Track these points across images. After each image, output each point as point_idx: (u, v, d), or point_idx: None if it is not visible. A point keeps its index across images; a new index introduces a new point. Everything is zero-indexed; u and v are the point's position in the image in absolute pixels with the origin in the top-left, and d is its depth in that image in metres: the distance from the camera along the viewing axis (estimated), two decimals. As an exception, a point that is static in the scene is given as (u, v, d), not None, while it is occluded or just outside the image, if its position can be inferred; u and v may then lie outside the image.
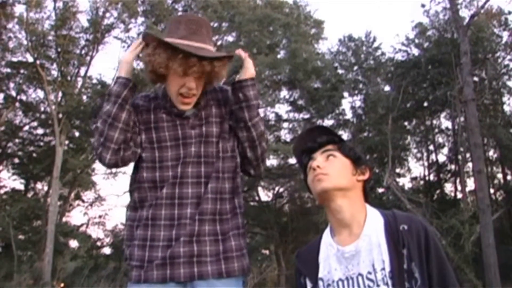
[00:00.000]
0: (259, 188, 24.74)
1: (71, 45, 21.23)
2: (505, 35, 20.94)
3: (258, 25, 20.59)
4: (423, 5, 20.55)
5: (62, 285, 18.39)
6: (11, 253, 18.78)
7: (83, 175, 23.90)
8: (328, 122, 23.11)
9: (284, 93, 24.04)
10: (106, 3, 20.81)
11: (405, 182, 24.68)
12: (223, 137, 2.01)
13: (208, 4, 20.62)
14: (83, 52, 22.15)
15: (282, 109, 33.29)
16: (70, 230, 23.23)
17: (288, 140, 23.63)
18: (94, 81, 22.48)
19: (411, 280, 1.54)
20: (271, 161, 23.84)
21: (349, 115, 24.33)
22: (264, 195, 25.44)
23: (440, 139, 25.30)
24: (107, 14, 21.39)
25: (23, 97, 23.27)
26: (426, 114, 23.97)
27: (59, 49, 20.62)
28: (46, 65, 21.36)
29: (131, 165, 2.07)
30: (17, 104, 22.93)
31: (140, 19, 21.70)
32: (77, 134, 23.90)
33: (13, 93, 22.76)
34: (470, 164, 19.31)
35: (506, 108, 23.01)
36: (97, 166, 25.08)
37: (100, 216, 25.58)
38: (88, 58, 22.03)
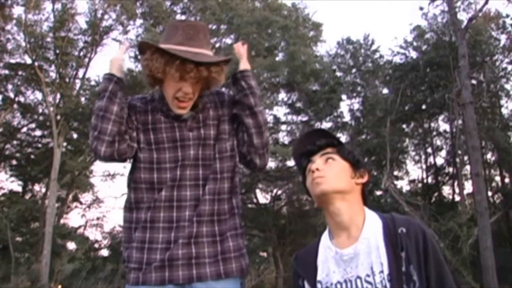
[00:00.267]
0: (257, 191, 24.74)
1: (70, 47, 21.24)
2: (503, 38, 21.04)
3: (257, 28, 20.60)
4: (421, 8, 20.65)
5: (59, 287, 18.34)
6: (9, 255, 18.74)
7: (81, 177, 23.87)
8: (326, 125, 23.13)
9: (282, 95, 24.08)
10: (105, 5, 20.83)
11: (403, 184, 24.73)
12: (220, 138, 2.01)
13: (206, 6, 20.64)
14: (81, 54, 22.16)
15: (281, 111, 33.24)
16: (68, 232, 23.21)
17: (286, 142, 23.63)
18: (93, 83, 22.45)
19: (410, 282, 1.54)
20: (269, 164, 23.83)
21: (347, 117, 24.39)
22: (262, 198, 25.46)
23: (438, 141, 25.35)
24: (106, 16, 21.42)
25: (21, 99, 23.27)
26: (424, 117, 24.00)
27: (57, 51, 20.62)
28: (45, 66, 21.36)
29: (129, 166, 2.07)
30: (15, 105, 22.91)
31: (139, 21, 21.74)
32: (75, 136, 23.90)
33: (11, 95, 22.76)
34: (468, 167, 19.34)
35: (504, 111, 23.08)
36: (95, 168, 25.11)
37: (98, 218, 25.57)
38: (86, 60, 22.04)
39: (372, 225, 1.67)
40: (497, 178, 23.83)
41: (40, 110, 23.51)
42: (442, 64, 19.24)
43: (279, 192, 25.29)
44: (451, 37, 19.89)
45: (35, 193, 25.67)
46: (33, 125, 24.21)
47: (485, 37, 20.25)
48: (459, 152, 20.24)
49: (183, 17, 20.57)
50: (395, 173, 23.67)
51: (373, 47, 24.85)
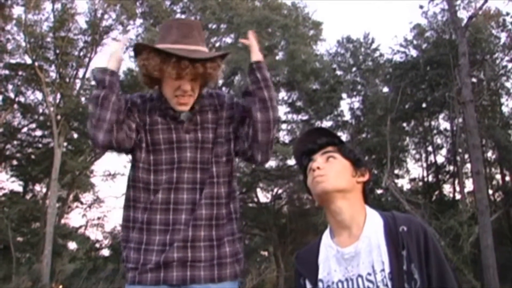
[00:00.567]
0: (258, 190, 24.77)
1: (70, 46, 21.26)
2: (503, 36, 21.03)
3: (257, 27, 20.57)
4: (421, 7, 20.62)
5: (60, 287, 18.37)
6: (10, 255, 18.77)
7: (82, 177, 23.90)
8: (326, 124, 23.15)
9: (282, 94, 24.08)
10: (105, 4, 20.84)
11: (404, 183, 24.76)
12: (217, 142, 2.01)
13: (206, 5, 20.64)
14: (81, 53, 22.19)
15: (281, 110, 33.18)
16: (69, 232, 23.25)
17: (287, 141, 23.65)
18: (93, 82, 22.38)
19: (411, 281, 1.54)
20: (270, 163, 23.84)
21: (347, 116, 24.40)
22: (263, 197, 25.49)
23: (438, 140, 25.37)
24: (106, 16, 21.44)
25: (22, 99, 23.31)
26: (424, 115, 24.01)
27: (57, 51, 20.64)
28: (45, 66, 21.38)
29: (129, 166, 2.08)
30: (16, 106, 22.94)
31: (139, 21, 21.75)
32: (75, 135, 23.91)
33: (12, 95, 22.78)
34: (468, 165, 19.34)
35: (504, 109, 23.07)
36: (96, 168, 25.11)
37: (98, 218, 25.60)
38: (86, 59, 22.08)
39: (373, 224, 1.67)
40: (498, 176, 23.86)
41: (41, 110, 23.54)
42: (442, 63, 19.23)
43: (280, 191, 25.32)
44: (451, 36, 19.88)
45: (36, 193, 25.71)
46: (33, 125, 24.24)
47: (485, 35, 20.25)
48: (460, 150, 20.25)
49: (183, 17, 20.56)
50: (396, 171, 23.68)
51: (373, 46, 24.86)
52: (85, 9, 26.24)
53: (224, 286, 1.89)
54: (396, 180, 22.17)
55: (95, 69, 1.95)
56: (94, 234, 26.94)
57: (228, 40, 22.33)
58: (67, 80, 21.96)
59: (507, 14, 20.26)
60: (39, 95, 23.03)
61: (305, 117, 24.01)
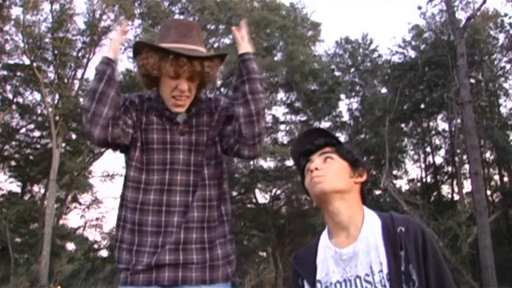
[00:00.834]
0: (256, 190, 24.76)
1: (68, 47, 21.26)
2: (501, 37, 21.05)
3: (255, 28, 20.60)
4: (419, 7, 20.63)
5: (59, 287, 18.35)
6: (8, 256, 18.75)
7: (80, 177, 23.89)
8: (325, 124, 23.14)
9: (281, 95, 24.11)
10: (103, 5, 20.83)
11: (402, 184, 24.77)
12: (209, 144, 2.01)
13: (205, 6, 20.65)
14: (79, 54, 22.19)
15: (279, 111, 33.25)
16: (67, 233, 23.22)
17: (285, 142, 23.66)
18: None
19: (409, 282, 1.54)
20: (268, 163, 23.90)
21: (346, 117, 24.41)
22: (261, 197, 25.48)
23: (437, 141, 25.39)
24: (104, 17, 21.44)
25: (20, 100, 23.31)
26: (423, 116, 24.02)
27: (56, 52, 20.63)
28: (43, 67, 21.38)
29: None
30: (14, 106, 22.92)
31: (137, 21, 21.73)
32: (74, 136, 23.89)
33: (10, 96, 22.77)
34: (467, 166, 19.36)
35: (502, 110, 23.12)
36: (94, 168, 25.08)
37: (97, 219, 25.60)
38: (85, 60, 22.08)
39: (371, 225, 1.67)
40: (496, 177, 23.89)
41: (39, 111, 23.53)
42: (441, 63, 19.25)
43: (278, 192, 25.31)
44: (449, 36, 19.90)
45: (34, 194, 25.69)
46: (31, 126, 24.23)
47: (484, 36, 20.27)
48: (458, 151, 20.26)
49: (182, 17, 20.57)
50: (394, 172, 23.68)
51: (372, 47, 24.87)
52: (83, 10, 26.25)
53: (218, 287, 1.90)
54: (394, 181, 22.18)
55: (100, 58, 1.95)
56: (92, 235, 26.95)
57: (227, 41, 22.32)
58: (66, 80, 21.95)
59: (505, 15, 20.28)
60: (37, 96, 23.06)
61: (304, 118, 24.02)
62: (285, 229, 23.50)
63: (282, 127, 25.05)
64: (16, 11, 33.79)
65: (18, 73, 21.83)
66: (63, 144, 22.12)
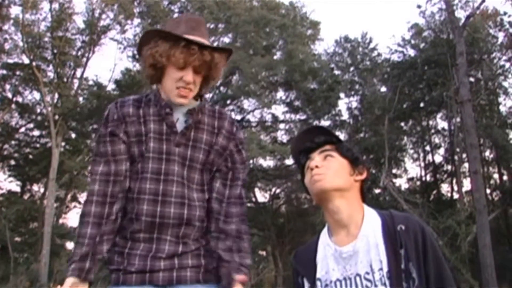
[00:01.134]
0: (256, 189, 24.76)
1: (67, 46, 21.24)
2: (500, 35, 21.05)
3: (254, 26, 20.62)
4: (419, 6, 20.64)
5: (58, 287, 18.27)
6: (8, 255, 18.75)
7: (80, 176, 23.87)
8: (324, 123, 23.14)
9: (280, 94, 24.10)
10: (102, 4, 20.83)
11: (402, 182, 24.75)
12: (206, 168, 1.97)
13: (204, 5, 20.64)
14: (79, 53, 22.16)
15: (279, 110, 33.34)
16: (67, 232, 23.21)
17: (284, 141, 23.66)
18: (91, 82, 22.44)
19: (409, 280, 1.54)
20: (268, 162, 23.89)
21: (345, 116, 24.42)
22: (261, 196, 25.49)
23: (436, 139, 25.39)
24: (103, 16, 21.43)
25: (19, 99, 23.29)
26: (422, 115, 24.00)
27: (55, 51, 20.62)
28: (42, 66, 21.36)
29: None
30: (13, 105, 22.91)
31: (136, 21, 21.72)
32: (73, 135, 23.89)
33: (9, 95, 22.76)
34: (466, 165, 19.34)
35: (502, 108, 23.09)
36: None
37: (96, 218, 25.50)
38: (84, 59, 22.05)
39: (371, 223, 1.67)
40: (496, 176, 23.91)
41: (38, 110, 23.52)
42: (440, 62, 19.24)
43: (278, 190, 25.33)
44: (449, 35, 19.90)
45: (34, 193, 25.70)
46: (31, 125, 24.22)
47: (483, 35, 20.28)
48: (458, 149, 20.25)
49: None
50: (394, 171, 23.68)
51: (371, 45, 24.88)
52: (82, 9, 26.25)
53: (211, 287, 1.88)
54: (394, 180, 22.17)
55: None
56: (92, 234, 26.88)
57: (226, 39, 22.33)
58: (65, 80, 21.93)
59: (505, 13, 20.29)
60: (36, 95, 23.04)
61: (303, 117, 24.01)
62: (284, 228, 23.52)
63: (282, 126, 25.08)
64: (15, 10, 33.81)
65: (18, 72, 21.81)
66: (63, 143, 22.11)
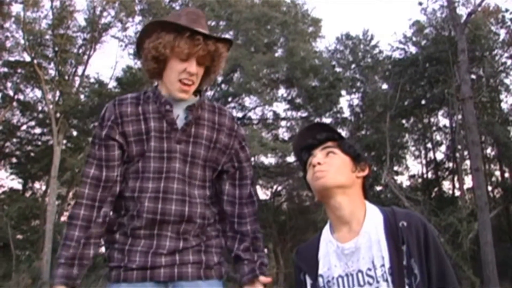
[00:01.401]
0: (258, 187, 24.73)
1: (69, 44, 21.22)
2: (502, 32, 21.02)
3: (256, 24, 20.59)
4: (420, 3, 20.60)
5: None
6: (10, 253, 18.76)
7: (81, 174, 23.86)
8: (326, 120, 23.10)
9: (282, 91, 24.07)
10: (103, 2, 20.81)
11: (403, 180, 24.76)
12: (207, 165, 1.96)
13: (205, 2, 20.60)
14: (80, 51, 22.15)
15: (280, 107, 33.25)
16: (69, 230, 23.16)
17: (286, 138, 23.65)
18: (92, 80, 22.45)
19: (411, 276, 1.54)
20: (269, 159, 23.87)
21: (347, 113, 24.41)
22: (262, 194, 25.45)
23: (437, 137, 25.38)
24: (105, 13, 21.40)
25: (21, 97, 23.28)
26: (423, 112, 24.00)
27: (56, 48, 20.60)
28: (44, 64, 21.35)
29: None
30: (15, 103, 22.91)
31: (138, 18, 21.69)
32: (75, 133, 23.90)
33: (11, 93, 22.76)
34: (468, 162, 19.35)
35: (503, 105, 23.06)
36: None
37: (98, 216, 25.54)
38: (85, 57, 22.03)
39: (373, 219, 1.67)
40: (497, 173, 23.88)
41: (40, 108, 23.52)
42: (442, 59, 19.22)
43: (279, 188, 25.31)
44: (450, 32, 19.86)
45: (36, 190, 25.72)
46: (32, 123, 24.23)
47: (485, 32, 20.24)
48: (459, 147, 20.25)
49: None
50: (395, 168, 23.69)
51: (372, 43, 24.87)
52: (84, 7, 26.15)
53: (212, 285, 1.88)
54: (395, 177, 22.19)
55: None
56: (93, 231, 26.91)
57: (227, 37, 22.28)
58: (66, 77, 21.92)
59: (506, 10, 20.25)
60: (38, 93, 23.04)
61: (305, 114, 23.99)
62: (286, 225, 23.52)
63: (283, 123, 25.04)
64: (16, 8, 33.76)
65: (19, 70, 21.81)
66: (64, 141, 22.11)
